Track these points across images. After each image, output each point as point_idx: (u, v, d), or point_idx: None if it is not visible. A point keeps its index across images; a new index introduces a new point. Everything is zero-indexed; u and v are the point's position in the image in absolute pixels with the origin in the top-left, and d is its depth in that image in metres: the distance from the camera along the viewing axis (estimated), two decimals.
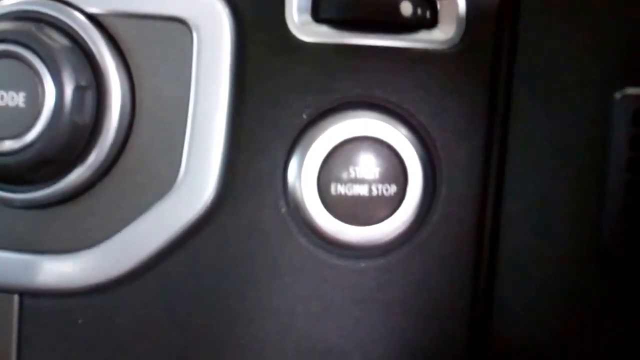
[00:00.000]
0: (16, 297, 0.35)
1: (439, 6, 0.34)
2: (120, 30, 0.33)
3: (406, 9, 0.34)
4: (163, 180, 0.33)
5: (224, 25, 0.33)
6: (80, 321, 0.35)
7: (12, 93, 0.32)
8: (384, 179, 0.34)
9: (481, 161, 0.34)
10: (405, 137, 0.34)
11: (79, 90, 0.31)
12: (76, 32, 0.33)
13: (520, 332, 0.35)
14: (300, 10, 0.34)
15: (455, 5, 0.34)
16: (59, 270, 0.34)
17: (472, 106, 0.34)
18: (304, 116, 0.34)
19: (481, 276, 0.35)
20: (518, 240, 0.34)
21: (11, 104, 0.32)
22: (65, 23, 0.33)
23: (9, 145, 0.31)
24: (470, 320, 0.35)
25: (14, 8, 0.33)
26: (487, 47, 0.34)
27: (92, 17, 0.33)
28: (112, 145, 0.32)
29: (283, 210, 0.33)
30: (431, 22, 0.34)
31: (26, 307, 0.35)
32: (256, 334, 0.35)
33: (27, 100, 0.31)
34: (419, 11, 0.34)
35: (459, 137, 0.34)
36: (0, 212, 0.35)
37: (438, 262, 0.35)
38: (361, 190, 0.34)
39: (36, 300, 0.35)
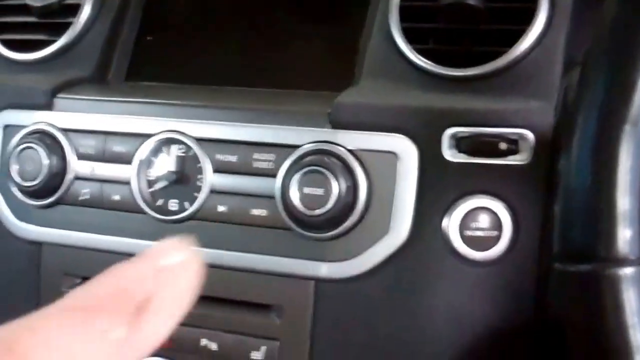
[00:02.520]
0: (312, 282, 0.71)
1: (520, 143, 0.68)
2: (363, 156, 0.70)
3: (502, 146, 0.68)
4: (384, 229, 0.69)
5: (412, 155, 0.70)
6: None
7: (316, 189, 0.69)
8: (492, 227, 0.68)
9: (539, 228, 0.67)
10: (503, 207, 0.68)
11: (346, 187, 0.69)
12: (343, 159, 0.70)
13: None
14: (450, 147, 0.69)
15: (528, 141, 0.68)
16: (335, 269, 0.70)
17: (538, 194, 0.67)
18: (452, 197, 0.69)
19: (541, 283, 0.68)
20: None
21: (315, 193, 0.69)
22: (338, 155, 0.70)
23: (317, 212, 0.68)
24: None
25: (317, 147, 0.70)
26: (545, 162, 0.67)
27: (350, 151, 0.70)
28: (361, 212, 0.69)
29: (440, 241, 0.69)
30: (515, 152, 0.68)
31: (319, 288, 0.71)
32: (430, 324, 0.69)
33: (324, 192, 0.69)
34: (509, 146, 0.68)
35: (530, 210, 0.67)
36: (301, 241, 0.72)
37: (520, 268, 0.67)
38: (480, 233, 0.68)
39: (323, 284, 0.71)
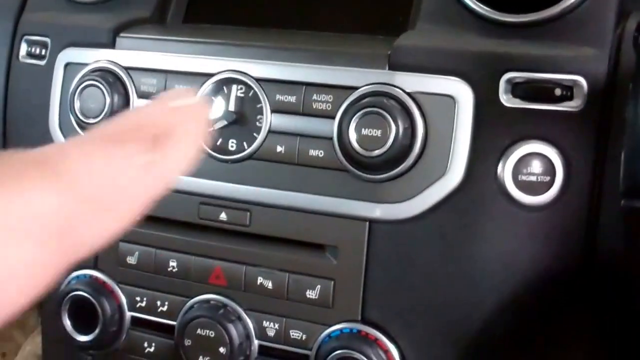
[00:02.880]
0: (367, 223, 0.73)
1: (574, 90, 0.69)
2: (420, 99, 0.71)
3: (557, 92, 0.69)
4: (439, 171, 0.70)
5: (469, 98, 0.71)
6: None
7: (374, 130, 0.70)
8: (544, 173, 0.69)
9: (591, 172, 0.67)
10: (555, 153, 0.69)
11: (404, 129, 0.70)
12: (401, 101, 0.71)
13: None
14: (505, 92, 0.70)
15: (582, 88, 0.68)
16: (389, 211, 0.71)
17: (591, 140, 0.69)
18: (506, 142, 0.70)
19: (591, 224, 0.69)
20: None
21: (373, 134, 0.71)
22: (396, 97, 0.70)
23: (375, 153, 0.70)
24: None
25: (375, 89, 0.71)
26: (598, 108, 0.68)
27: (408, 93, 0.71)
28: (418, 154, 0.71)
29: (494, 185, 0.70)
30: (569, 98, 0.69)
31: (373, 229, 0.72)
32: (482, 266, 0.71)
33: (382, 133, 0.70)
34: (564, 93, 0.69)
35: (582, 156, 0.68)
36: (356, 183, 0.74)
37: (571, 213, 0.68)
38: (533, 178, 0.69)
39: (377, 225, 0.72)
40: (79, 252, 0.24)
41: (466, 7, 0.74)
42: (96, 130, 0.27)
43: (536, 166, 0.69)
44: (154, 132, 0.27)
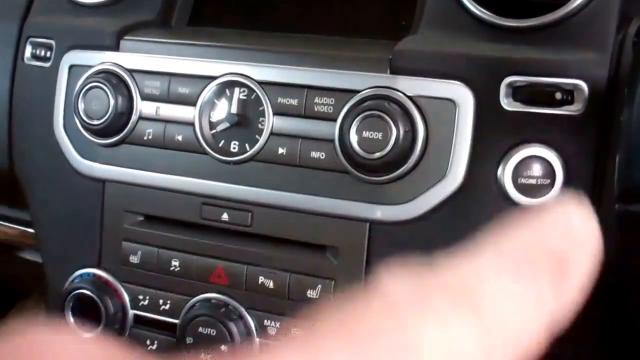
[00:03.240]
0: (367, 224, 0.73)
1: (575, 94, 0.70)
2: (421, 102, 0.72)
3: (558, 96, 0.70)
4: (439, 174, 0.71)
5: (469, 102, 0.71)
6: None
7: (374, 133, 0.71)
8: (544, 176, 0.69)
9: (590, 176, 0.68)
10: (555, 157, 0.69)
11: (404, 132, 0.71)
12: (402, 105, 0.72)
13: None
14: (506, 96, 0.71)
15: (583, 92, 0.69)
16: (390, 212, 0.72)
17: (591, 144, 0.69)
18: (507, 145, 0.71)
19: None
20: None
21: (374, 137, 0.71)
22: (397, 101, 0.71)
23: (376, 155, 0.70)
24: None
25: (377, 92, 0.71)
26: (598, 113, 0.68)
27: (409, 97, 0.72)
28: (418, 157, 0.71)
29: (494, 188, 0.71)
30: (570, 102, 0.69)
31: (373, 230, 0.73)
32: None
33: (382, 136, 0.70)
34: (564, 97, 0.70)
35: (582, 160, 0.68)
36: (357, 185, 0.75)
37: None
38: (533, 181, 0.70)
39: (377, 226, 0.73)
40: None
41: (468, 12, 0.75)
42: (504, 246, 0.24)
43: (536, 169, 0.69)
44: (556, 256, 0.23)
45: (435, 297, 0.22)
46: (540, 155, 0.69)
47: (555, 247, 0.23)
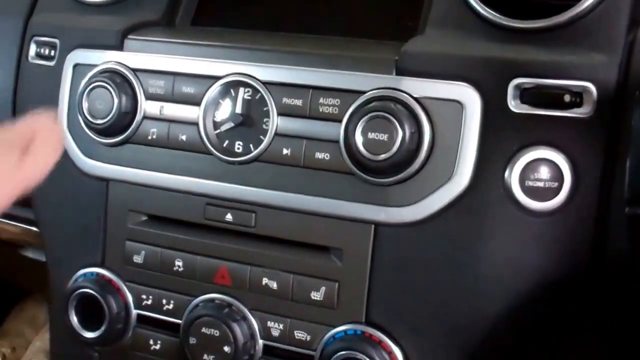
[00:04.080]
0: (372, 226, 0.72)
1: (583, 96, 0.69)
2: (427, 104, 0.71)
3: (566, 98, 0.69)
4: (446, 176, 0.70)
5: (476, 104, 0.70)
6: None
7: (380, 134, 0.71)
8: (552, 179, 0.68)
9: (599, 179, 0.67)
10: (563, 159, 0.68)
11: (410, 134, 0.70)
12: (408, 106, 0.71)
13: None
14: (514, 97, 0.70)
15: (592, 94, 0.68)
16: (395, 214, 0.71)
17: (599, 147, 0.68)
18: (514, 148, 0.70)
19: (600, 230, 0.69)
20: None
21: (380, 138, 0.71)
22: (403, 102, 0.70)
23: (382, 157, 0.69)
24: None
25: (382, 93, 0.70)
26: (607, 115, 0.67)
27: (416, 99, 0.71)
28: (424, 159, 0.71)
29: (500, 190, 0.70)
30: (578, 104, 0.68)
31: (379, 232, 0.72)
32: (487, 271, 0.70)
33: (388, 138, 0.69)
34: (573, 99, 0.69)
35: (591, 163, 0.67)
36: (362, 186, 0.73)
37: (579, 219, 0.68)
38: (540, 184, 0.69)
39: (382, 228, 0.72)
40: None
41: (476, 13, 0.74)
42: None
43: (544, 172, 0.68)
44: (23, 141, 0.36)
45: None
46: (548, 158, 0.68)
47: (20, 137, 0.36)
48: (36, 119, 0.38)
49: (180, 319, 0.81)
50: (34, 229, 0.93)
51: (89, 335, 0.84)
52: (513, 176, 0.69)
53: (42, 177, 0.35)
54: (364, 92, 0.71)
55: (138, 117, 0.80)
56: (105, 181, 0.83)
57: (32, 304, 1.32)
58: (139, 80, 0.80)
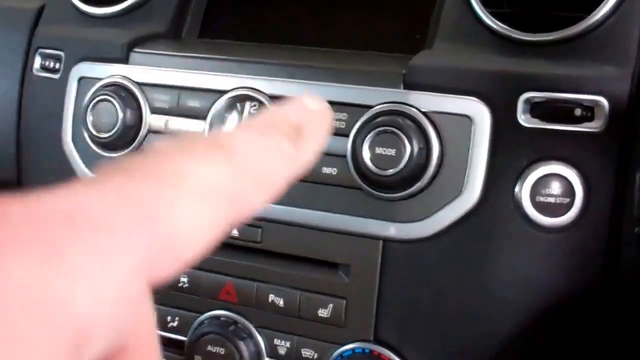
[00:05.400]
0: (380, 242, 0.72)
1: (595, 110, 0.68)
2: (436, 118, 0.71)
3: (578, 112, 0.68)
4: (455, 191, 0.70)
5: (486, 118, 0.70)
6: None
7: (388, 149, 0.70)
8: (563, 194, 0.68)
9: (612, 195, 0.66)
10: (575, 175, 0.68)
11: (419, 149, 0.69)
12: (416, 120, 0.70)
13: None
14: (524, 112, 0.69)
15: (603, 108, 0.67)
16: (404, 230, 0.71)
17: (612, 162, 0.67)
18: (524, 163, 0.69)
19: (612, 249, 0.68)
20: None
21: (388, 153, 0.70)
22: (411, 116, 0.70)
23: (389, 172, 0.69)
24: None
25: (390, 108, 0.70)
26: (620, 129, 0.67)
27: (424, 113, 0.70)
28: (433, 174, 0.70)
29: (511, 206, 0.69)
30: (590, 118, 0.68)
31: (387, 248, 0.71)
32: (498, 288, 0.70)
33: (396, 152, 0.69)
34: (584, 113, 0.68)
35: (603, 178, 0.66)
36: (370, 201, 0.73)
37: (591, 235, 0.67)
38: (551, 199, 0.68)
39: (391, 244, 0.71)
40: (239, 217, 0.28)
41: (485, 25, 0.73)
42: (251, 120, 0.31)
43: (555, 187, 0.67)
44: (295, 125, 0.31)
45: (195, 145, 0.27)
46: (559, 173, 0.67)
47: (293, 118, 0.31)
48: (302, 102, 0.34)
49: (185, 336, 0.79)
50: None
51: None
52: (524, 191, 0.68)
53: (314, 161, 0.32)
54: (371, 107, 0.70)
55: (143, 131, 0.79)
56: None
57: None
58: (144, 94, 0.79)
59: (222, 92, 0.76)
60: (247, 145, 0.29)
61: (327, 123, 0.34)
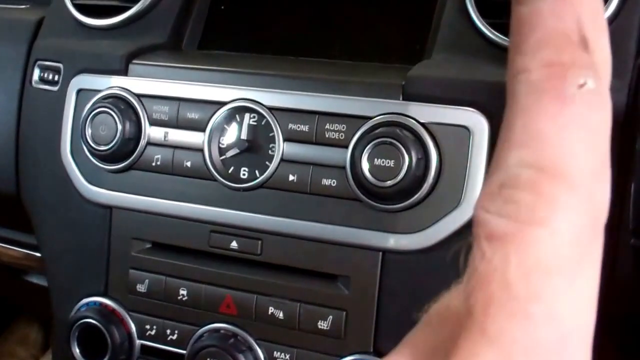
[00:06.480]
0: (380, 254, 0.72)
1: None
2: (434, 129, 0.70)
3: None
4: (454, 202, 0.70)
5: (484, 129, 0.69)
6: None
7: (386, 160, 0.70)
8: None
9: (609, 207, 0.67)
10: None
11: (417, 160, 0.69)
12: (415, 132, 0.70)
13: None
14: None
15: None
16: (403, 241, 0.70)
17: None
18: None
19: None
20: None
21: (386, 165, 0.70)
22: (410, 128, 0.70)
23: (388, 183, 0.69)
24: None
25: (389, 119, 0.70)
26: (616, 140, 0.66)
27: (422, 124, 0.70)
28: (431, 185, 0.70)
29: None
30: None
31: (386, 259, 0.71)
32: None
33: (395, 164, 0.69)
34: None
35: None
36: (369, 213, 0.73)
37: None
38: None
39: (390, 256, 0.71)
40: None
41: (484, 37, 0.73)
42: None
43: None
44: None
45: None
46: None
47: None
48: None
49: (185, 350, 0.79)
50: (36, 254, 0.92)
51: None
52: None
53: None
54: (370, 118, 0.70)
55: (142, 143, 0.79)
56: (108, 208, 0.82)
57: (23, 323, 1.31)
58: (143, 106, 0.79)
59: (222, 104, 0.76)
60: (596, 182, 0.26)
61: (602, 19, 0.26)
